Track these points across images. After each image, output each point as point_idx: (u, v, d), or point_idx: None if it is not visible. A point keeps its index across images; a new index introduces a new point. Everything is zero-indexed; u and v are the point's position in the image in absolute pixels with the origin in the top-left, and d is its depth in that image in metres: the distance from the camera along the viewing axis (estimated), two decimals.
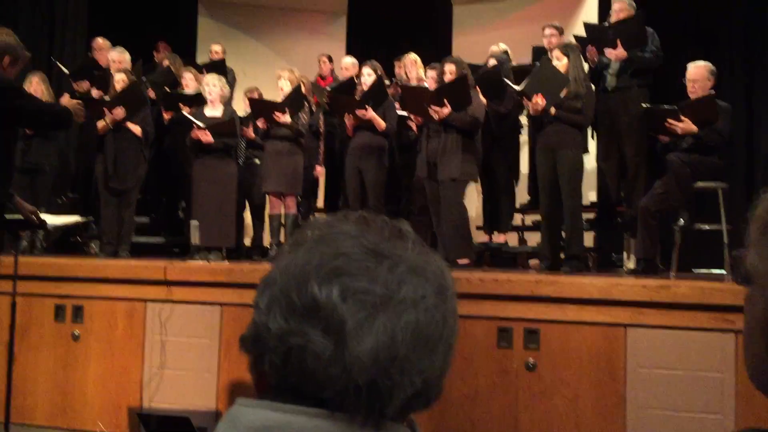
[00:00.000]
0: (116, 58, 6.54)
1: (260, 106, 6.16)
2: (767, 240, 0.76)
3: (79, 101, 4.50)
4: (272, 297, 0.76)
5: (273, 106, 5.98)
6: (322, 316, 0.72)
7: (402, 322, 0.73)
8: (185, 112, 6.09)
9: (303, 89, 6.32)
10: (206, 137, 5.76)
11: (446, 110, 5.27)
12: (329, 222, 0.80)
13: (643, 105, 5.23)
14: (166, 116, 6.55)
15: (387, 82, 6.35)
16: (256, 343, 0.76)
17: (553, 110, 5.06)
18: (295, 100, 5.99)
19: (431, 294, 0.76)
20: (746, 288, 0.80)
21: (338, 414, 0.72)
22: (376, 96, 5.91)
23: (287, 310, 0.74)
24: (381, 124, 5.90)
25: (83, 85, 6.59)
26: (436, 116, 5.31)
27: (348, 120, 6.07)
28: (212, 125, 5.81)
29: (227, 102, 6.40)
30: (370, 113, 5.85)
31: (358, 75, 6.54)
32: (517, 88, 5.28)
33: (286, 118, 5.92)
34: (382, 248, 0.76)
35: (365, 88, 6.02)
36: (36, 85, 6.02)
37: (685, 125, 4.80)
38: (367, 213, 0.82)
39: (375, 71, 6.04)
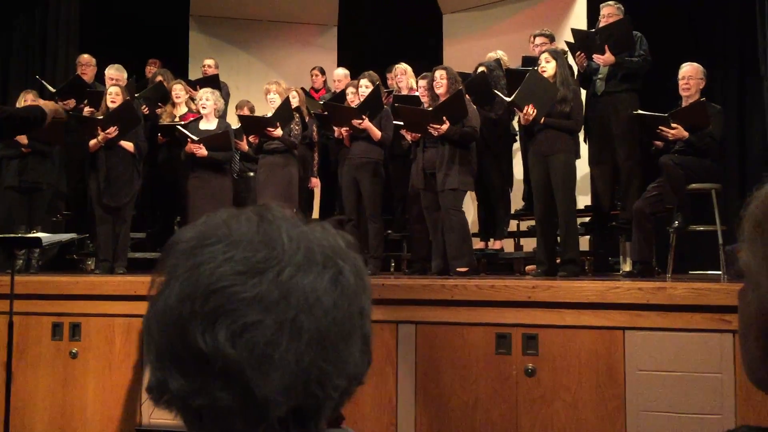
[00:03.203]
0: (114, 76, 6.58)
1: (251, 123, 6.16)
2: (760, 237, 0.76)
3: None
4: (158, 350, 0.69)
5: (264, 123, 5.99)
6: (217, 369, 0.65)
7: (303, 341, 0.66)
8: (179, 127, 6.09)
9: (297, 101, 6.33)
10: (200, 151, 5.76)
11: (445, 126, 5.30)
12: (195, 244, 0.70)
13: (634, 112, 5.24)
14: (162, 139, 6.56)
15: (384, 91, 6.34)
16: (164, 401, 0.69)
17: (542, 119, 5.08)
18: (283, 114, 6.00)
19: (326, 289, 0.69)
20: (741, 283, 0.81)
21: None
22: (373, 106, 5.92)
23: (179, 365, 0.67)
24: (376, 133, 5.90)
25: (69, 103, 6.59)
26: (435, 133, 5.34)
27: (344, 131, 6.07)
28: (206, 138, 5.81)
29: (222, 115, 6.41)
30: (366, 123, 5.86)
31: (350, 85, 6.55)
32: (507, 99, 5.30)
33: (278, 133, 5.94)
34: (258, 259, 0.68)
35: (361, 99, 6.03)
36: (30, 104, 6.01)
37: (677, 131, 4.82)
38: (233, 210, 0.73)
39: (372, 83, 6.04)
